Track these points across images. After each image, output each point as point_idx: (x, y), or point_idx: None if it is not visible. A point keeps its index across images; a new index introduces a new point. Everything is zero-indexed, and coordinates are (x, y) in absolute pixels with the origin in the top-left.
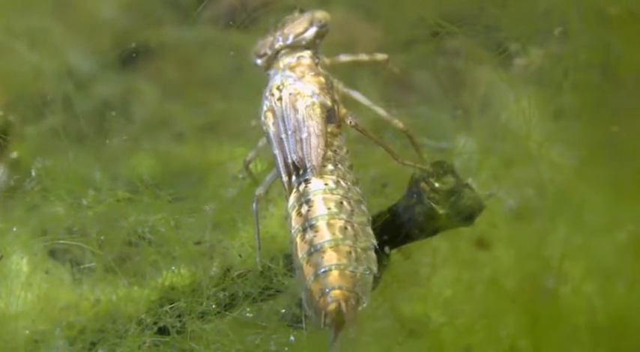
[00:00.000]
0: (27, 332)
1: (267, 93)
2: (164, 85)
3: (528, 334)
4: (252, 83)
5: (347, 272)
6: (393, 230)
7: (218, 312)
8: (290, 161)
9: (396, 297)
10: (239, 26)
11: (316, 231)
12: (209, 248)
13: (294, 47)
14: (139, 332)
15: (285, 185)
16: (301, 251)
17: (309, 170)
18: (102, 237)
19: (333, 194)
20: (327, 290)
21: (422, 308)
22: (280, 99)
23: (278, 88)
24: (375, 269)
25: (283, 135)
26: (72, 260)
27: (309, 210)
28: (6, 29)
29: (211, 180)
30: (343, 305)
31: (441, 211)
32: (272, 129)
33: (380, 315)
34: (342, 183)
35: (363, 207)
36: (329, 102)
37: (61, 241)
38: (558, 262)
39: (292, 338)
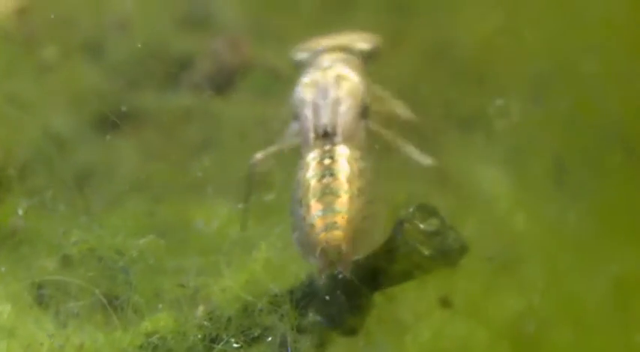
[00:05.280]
0: None
1: (310, 70)
2: (145, 149)
3: None
4: (230, 149)
5: (354, 221)
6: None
7: (205, 346)
8: (322, 124)
9: (378, 341)
10: (217, 92)
11: (335, 179)
12: (194, 291)
13: (346, 49)
14: None
15: (311, 141)
16: (314, 190)
17: (338, 135)
18: (90, 273)
19: (356, 161)
20: (331, 228)
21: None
22: (326, 72)
23: (325, 69)
24: (380, 234)
25: (321, 102)
26: (58, 305)
27: (331, 163)
28: None
29: (192, 234)
30: (344, 246)
31: (426, 252)
32: (309, 97)
33: None
34: (364, 165)
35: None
36: (368, 100)
37: (47, 277)
38: (538, 307)
39: None
